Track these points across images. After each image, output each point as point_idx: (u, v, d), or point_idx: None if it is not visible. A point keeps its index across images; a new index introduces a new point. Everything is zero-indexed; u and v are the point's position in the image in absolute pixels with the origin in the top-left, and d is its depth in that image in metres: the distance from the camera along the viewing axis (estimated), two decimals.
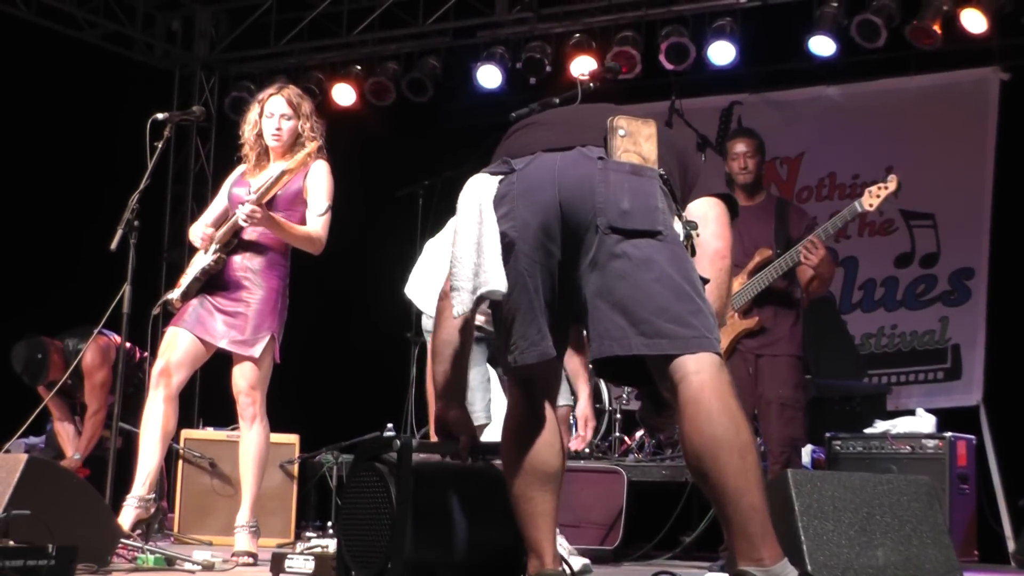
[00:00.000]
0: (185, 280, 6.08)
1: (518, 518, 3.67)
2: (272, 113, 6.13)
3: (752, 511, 3.24)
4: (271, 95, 6.17)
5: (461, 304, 3.49)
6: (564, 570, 3.67)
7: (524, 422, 3.68)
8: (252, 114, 6.19)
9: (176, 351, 5.95)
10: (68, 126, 10.24)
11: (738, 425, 3.30)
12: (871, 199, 6.38)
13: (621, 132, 3.48)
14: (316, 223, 6.03)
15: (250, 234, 6.00)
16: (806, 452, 7.59)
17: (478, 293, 3.44)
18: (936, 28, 9.18)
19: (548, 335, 3.51)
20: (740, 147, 6.82)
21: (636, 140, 3.49)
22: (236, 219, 5.89)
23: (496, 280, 3.41)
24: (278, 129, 6.12)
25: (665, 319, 3.31)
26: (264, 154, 6.16)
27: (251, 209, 5.79)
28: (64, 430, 8.64)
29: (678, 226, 3.46)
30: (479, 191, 3.54)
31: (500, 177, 3.56)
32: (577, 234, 3.43)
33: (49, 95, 10.29)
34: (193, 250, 6.28)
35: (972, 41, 9.38)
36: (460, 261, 3.49)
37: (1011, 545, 8.31)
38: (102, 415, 8.27)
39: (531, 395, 3.67)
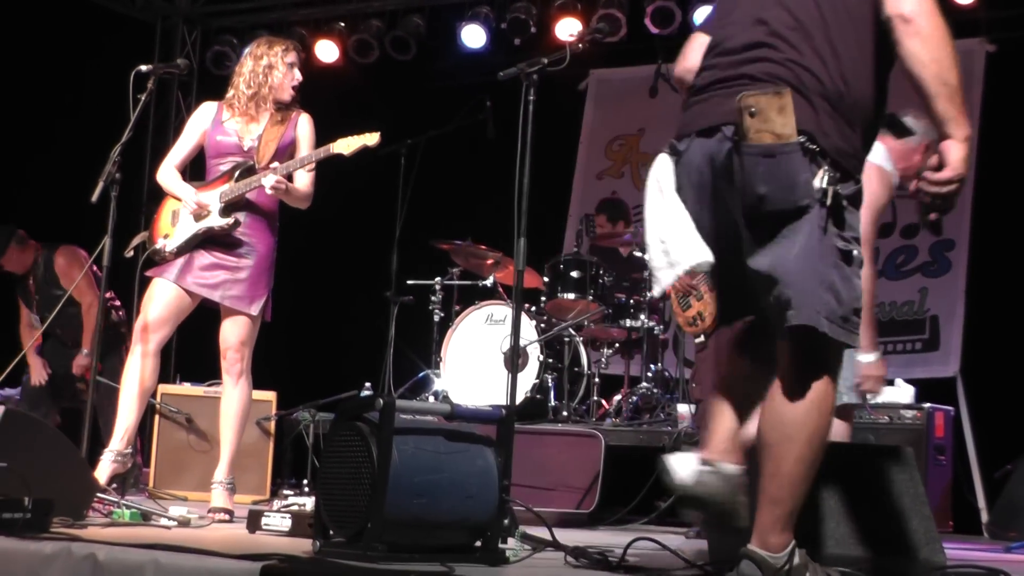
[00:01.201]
0: (180, 232, 6.01)
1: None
2: (293, 63, 6.11)
3: None
4: (290, 47, 6.15)
5: (661, 283, 3.63)
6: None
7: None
8: (272, 60, 6.10)
9: (159, 306, 5.90)
10: (45, 77, 10.14)
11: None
12: None
13: (751, 111, 3.39)
14: (306, 180, 6.04)
15: (249, 194, 5.96)
16: None
17: (686, 267, 3.53)
18: None
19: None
20: None
21: (767, 117, 3.38)
22: (252, 182, 5.87)
23: (701, 252, 3.52)
24: (298, 83, 6.11)
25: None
26: (255, 104, 6.09)
27: (278, 180, 5.81)
28: (30, 334, 8.57)
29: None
30: (658, 172, 3.64)
31: (673, 159, 3.64)
32: (727, 220, 3.52)
33: (25, 44, 10.18)
34: (159, 191, 6.21)
35: (959, 12, 9.36)
36: (654, 240, 3.60)
37: (985, 516, 8.35)
38: (95, 307, 8.18)
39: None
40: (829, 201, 3.34)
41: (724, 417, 3.78)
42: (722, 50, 3.64)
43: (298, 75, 6.13)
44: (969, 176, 9.49)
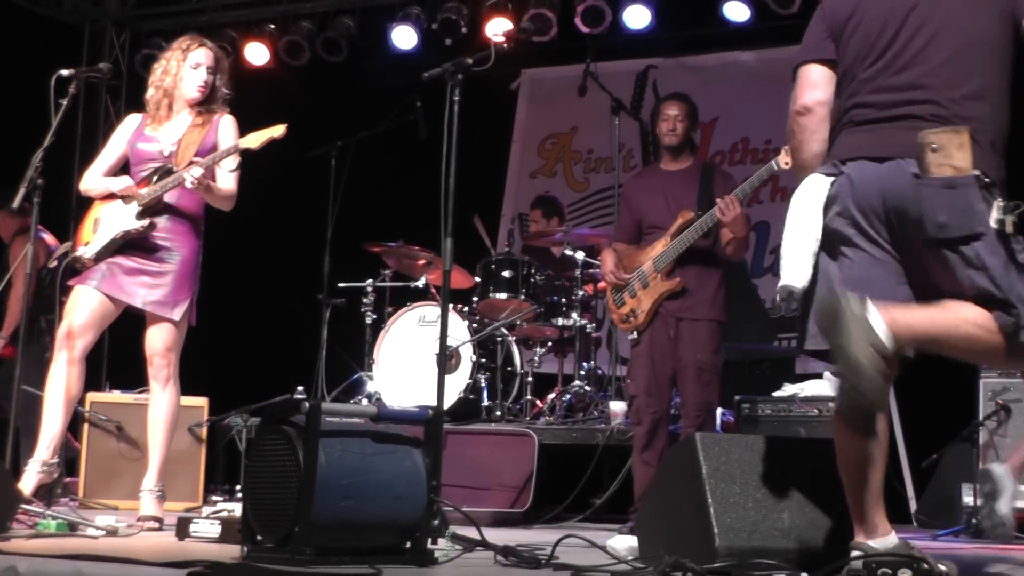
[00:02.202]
0: (99, 239, 5.97)
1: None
2: (199, 64, 6.08)
3: None
4: (197, 46, 6.11)
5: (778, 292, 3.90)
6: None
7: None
8: (171, 63, 6.10)
9: (82, 312, 5.86)
10: None
11: None
12: (787, 157, 6.37)
13: (933, 147, 3.64)
14: (229, 179, 6.00)
15: (170, 197, 5.93)
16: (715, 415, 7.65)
17: (783, 283, 3.83)
18: None
19: None
20: (672, 110, 6.82)
21: (948, 153, 3.63)
22: (168, 183, 5.82)
23: (798, 276, 3.80)
24: (205, 82, 6.07)
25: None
26: (170, 104, 6.07)
27: (201, 175, 5.76)
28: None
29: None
30: (812, 191, 3.84)
31: (832, 179, 3.82)
32: (905, 238, 3.73)
33: None
34: (87, 201, 6.18)
35: None
36: (784, 253, 3.87)
37: (914, 506, 8.44)
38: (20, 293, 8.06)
39: None
40: (1009, 229, 3.62)
41: None
42: (877, 87, 3.87)
43: (204, 75, 6.07)
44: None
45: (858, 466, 3.82)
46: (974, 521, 7.01)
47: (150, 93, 6.12)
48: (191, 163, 5.81)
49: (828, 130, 3.98)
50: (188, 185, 5.78)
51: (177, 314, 5.90)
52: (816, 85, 4.02)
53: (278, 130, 5.82)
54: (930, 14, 3.84)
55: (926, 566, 3.67)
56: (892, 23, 3.88)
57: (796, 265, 3.81)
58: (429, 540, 4.32)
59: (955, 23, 3.81)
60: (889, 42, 3.88)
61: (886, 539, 3.77)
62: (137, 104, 6.44)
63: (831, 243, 3.82)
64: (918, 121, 3.74)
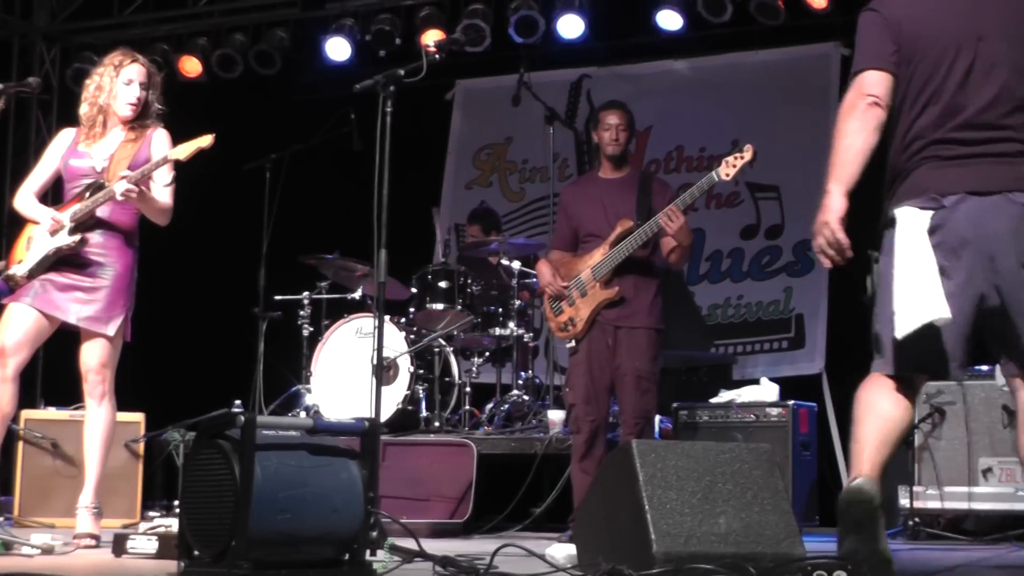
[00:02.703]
0: (31, 256, 5.92)
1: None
2: (131, 80, 6.03)
3: None
4: (130, 62, 6.06)
5: (903, 327, 3.90)
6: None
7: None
8: (103, 78, 6.05)
9: (16, 330, 5.81)
10: None
11: None
12: (728, 168, 6.42)
13: None
14: (164, 193, 5.95)
15: (103, 212, 5.88)
16: None
17: (926, 320, 3.85)
18: (780, 3, 9.35)
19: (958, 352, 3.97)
20: (613, 119, 6.82)
21: None
22: (99, 198, 5.78)
23: (940, 308, 3.84)
24: (137, 99, 6.02)
25: None
26: (104, 122, 6.03)
27: (130, 188, 5.71)
28: None
29: None
30: (914, 226, 3.95)
31: (931, 212, 3.94)
32: (1008, 268, 3.89)
33: None
34: (19, 218, 6.13)
35: (814, 16, 9.56)
36: (902, 286, 3.92)
37: None
38: None
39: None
40: None
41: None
42: (959, 125, 4.00)
43: (136, 91, 6.03)
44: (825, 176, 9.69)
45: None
46: (910, 523, 7.09)
47: (84, 109, 6.07)
48: (122, 177, 5.77)
49: (879, 134, 4.09)
50: (119, 197, 5.74)
51: (111, 329, 5.85)
52: (885, 88, 4.10)
53: (206, 140, 5.80)
54: (1002, 50, 4.00)
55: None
56: (964, 55, 4.01)
57: (932, 299, 3.86)
58: (367, 552, 4.31)
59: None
60: (964, 77, 4.01)
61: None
62: (69, 118, 6.39)
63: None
64: (1012, 158, 3.94)
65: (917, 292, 3.87)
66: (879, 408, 4.07)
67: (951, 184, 3.95)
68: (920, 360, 4.00)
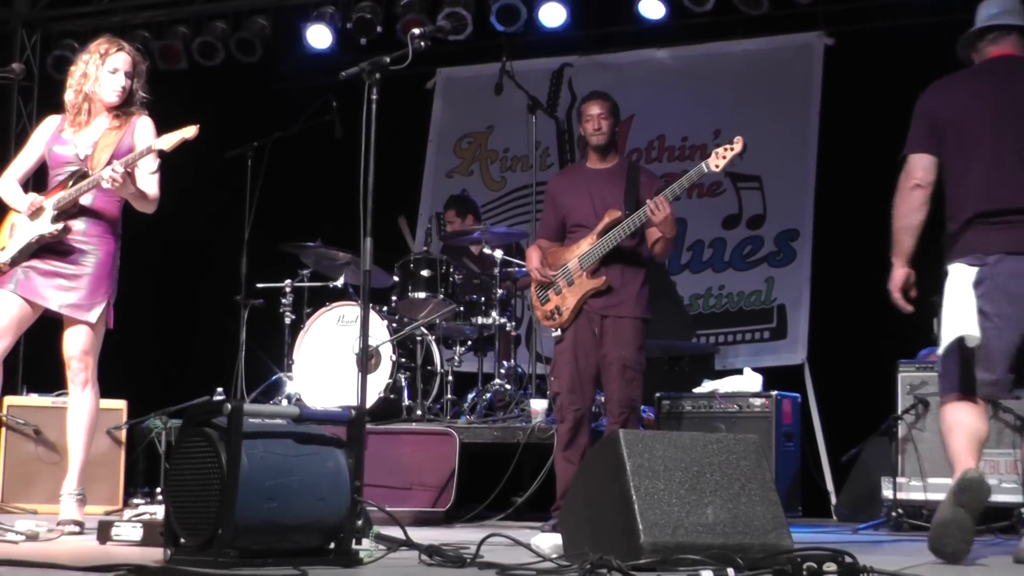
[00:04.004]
0: (14, 243, 5.89)
1: None
2: (117, 68, 6.00)
3: None
4: (116, 50, 6.03)
5: (944, 343, 4.99)
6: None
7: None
8: (89, 66, 6.01)
9: None
10: None
11: None
12: (718, 160, 6.40)
13: None
14: (151, 182, 5.93)
15: (86, 199, 5.86)
16: None
17: (960, 334, 4.88)
18: None
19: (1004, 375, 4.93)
20: (595, 109, 6.82)
21: None
22: (83, 186, 5.75)
23: (971, 327, 4.86)
24: (122, 87, 5.99)
25: None
26: (89, 109, 6.01)
27: (120, 175, 5.68)
28: None
29: None
30: (962, 278, 4.94)
31: (976, 268, 4.91)
32: None
33: None
34: (1, 205, 6.10)
35: (798, 6, 9.57)
36: (948, 320, 4.98)
37: (834, 499, 8.54)
38: None
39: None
40: None
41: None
42: (995, 197, 4.94)
43: (121, 79, 6.00)
44: (811, 166, 9.80)
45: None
46: (894, 514, 7.11)
47: (69, 96, 6.03)
48: (108, 164, 5.75)
49: (928, 207, 5.08)
50: (105, 185, 5.71)
51: (93, 316, 5.84)
52: (927, 170, 5.07)
53: (190, 131, 5.77)
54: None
55: (849, 559, 3.72)
56: (991, 133, 4.98)
57: (966, 320, 4.88)
58: (353, 541, 4.30)
59: None
60: (994, 150, 4.97)
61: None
62: (50, 105, 6.36)
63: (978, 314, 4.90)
64: None
65: (955, 319, 4.92)
66: (963, 421, 4.95)
67: (991, 245, 4.91)
68: (970, 384, 4.94)
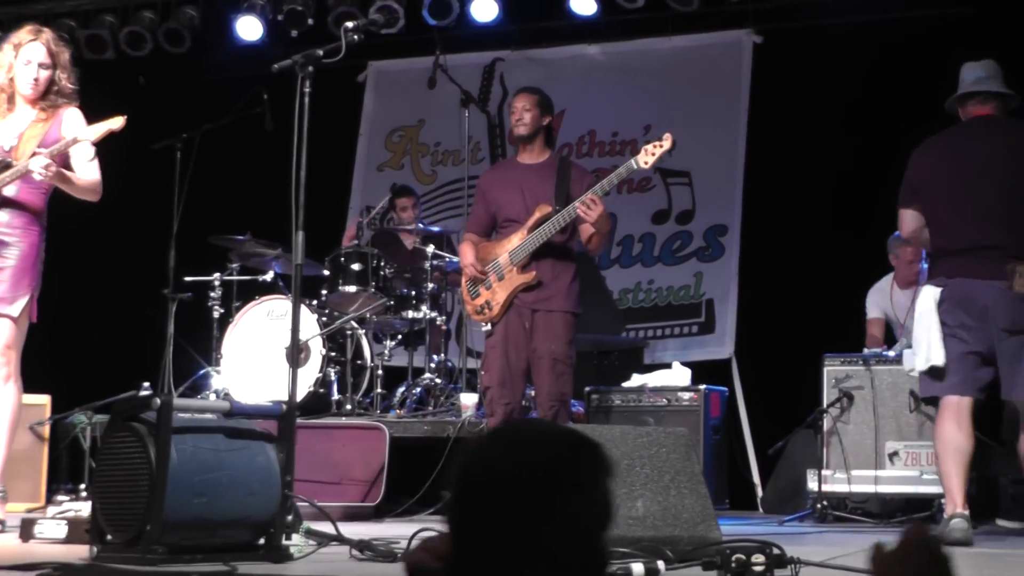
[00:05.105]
0: None
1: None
2: (30, 60, 5.92)
3: None
4: (29, 40, 5.94)
5: (916, 366, 5.97)
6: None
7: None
8: (5, 57, 5.94)
9: None
10: None
11: None
12: (647, 156, 6.44)
13: (1020, 276, 5.40)
14: (90, 169, 5.87)
15: (10, 191, 5.79)
16: None
17: (928, 364, 5.83)
18: None
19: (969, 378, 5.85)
20: (517, 103, 6.88)
21: None
22: (7, 177, 5.69)
23: (938, 355, 5.81)
24: (35, 79, 5.92)
25: None
26: (10, 99, 5.93)
27: (47, 163, 5.62)
28: None
29: None
30: (929, 297, 5.88)
31: (940, 289, 5.85)
32: (989, 331, 5.75)
33: None
34: None
35: (727, 4, 9.63)
36: (918, 341, 5.95)
37: (760, 492, 8.61)
38: None
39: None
40: None
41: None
42: (961, 234, 5.86)
43: (34, 71, 5.91)
44: (740, 162, 9.93)
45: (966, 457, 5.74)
46: (818, 506, 7.18)
47: None
48: (34, 155, 5.68)
49: (925, 243, 6.20)
50: (37, 177, 5.64)
51: (16, 310, 5.76)
52: (910, 222, 6.10)
53: (117, 122, 5.71)
54: (991, 187, 5.84)
55: (777, 551, 3.75)
56: (963, 186, 5.87)
57: (934, 350, 5.82)
58: (283, 536, 4.29)
59: (1003, 185, 5.84)
60: (966, 198, 5.85)
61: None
62: None
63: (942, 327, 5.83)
64: (996, 252, 5.65)
65: (924, 347, 5.84)
66: (951, 440, 5.77)
67: (953, 271, 5.82)
68: (945, 389, 5.84)
